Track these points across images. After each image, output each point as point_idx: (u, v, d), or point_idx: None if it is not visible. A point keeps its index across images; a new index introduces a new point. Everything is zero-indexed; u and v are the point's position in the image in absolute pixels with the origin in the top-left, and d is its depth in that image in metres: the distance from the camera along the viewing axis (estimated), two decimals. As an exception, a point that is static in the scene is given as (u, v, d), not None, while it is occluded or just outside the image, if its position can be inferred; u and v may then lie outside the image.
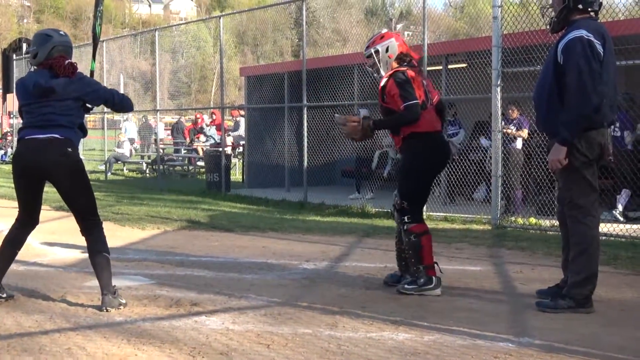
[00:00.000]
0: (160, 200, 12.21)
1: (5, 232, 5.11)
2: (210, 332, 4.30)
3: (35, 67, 5.00)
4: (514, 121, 9.97)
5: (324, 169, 13.51)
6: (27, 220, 5.06)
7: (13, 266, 5.21)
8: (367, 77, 5.82)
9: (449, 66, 11.08)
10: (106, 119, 18.72)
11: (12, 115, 23.57)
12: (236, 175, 17.61)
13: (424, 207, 9.51)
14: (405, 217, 5.35)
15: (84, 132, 5.05)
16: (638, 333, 4.30)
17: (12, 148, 22.92)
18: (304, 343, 4.07)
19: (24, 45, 21.66)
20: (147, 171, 19.63)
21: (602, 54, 4.60)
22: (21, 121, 5.10)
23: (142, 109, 22.30)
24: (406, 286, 5.28)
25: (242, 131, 16.79)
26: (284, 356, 3.84)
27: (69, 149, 4.83)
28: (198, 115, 21.20)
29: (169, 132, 24.68)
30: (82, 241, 5.08)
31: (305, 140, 12.10)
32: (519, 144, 9.95)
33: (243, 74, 16.80)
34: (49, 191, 5.44)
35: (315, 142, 12.62)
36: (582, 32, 4.59)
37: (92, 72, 5.44)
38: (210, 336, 4.22)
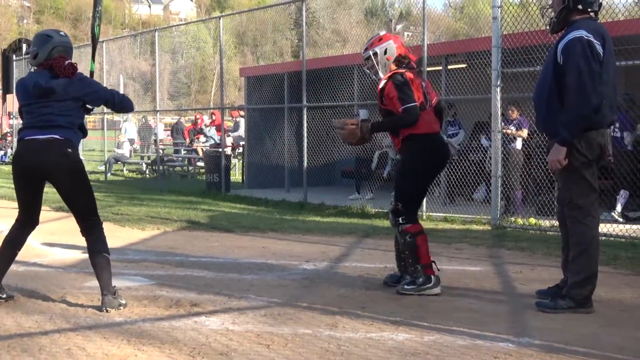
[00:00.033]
0: (160, 200, 12.21)
1: (5, 233, 5.11)
2: (210, 333, 4.30)
3: (35, 68, 5.00)
4: (514, 122, 9.98)
5: (323, 170, 13.51)
6: (27, 221, 5.06)
7: (13, 267, 5.21)
8: (367, 77, 5.82)
9: (449, 67, 11.08)
10: (106, 120, 18.72)
11: (12, 116, 23.58)
12: (236, 175, 17.62)
13: (424, 208, 9.66)
14: (400, 219, 5.35)
15: (84, 132, 5.06)
16: (638, 333, 4.30)
17: (11, 149, 22.93)
18: (304, 343, 4.07)
19: (24, 46, 21.65)
20: (147, 172, 19.63)
21: (601, 54, 4.60)
22: (21, 122, 5.10)
23: (142, 109, 22.32)
24: (405, 287, 5.29)
25: (241, 132, 16.79)
26: (284, 356, 3.85)
27: (69, 150, 4.83)
28: (198, 116, 21.22)
29: (168, 132, 24.69)
30: (82, 242, 5.08)
31: (305, 140, 12.10)
32: (518, 144, 9.95)
33: (243, 75, 16.81)
34: (49, 192, 5.44)
35: (315, 143, 12.62)
36: (582, 33, 4.59)
37: (91, 73, 5.44)
38: (210, 336, 4.22)
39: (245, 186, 14.97)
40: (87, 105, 5.01)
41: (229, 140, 17.02)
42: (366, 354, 3.88)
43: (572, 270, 4.74)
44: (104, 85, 5.63)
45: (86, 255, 5.11)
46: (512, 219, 8.99)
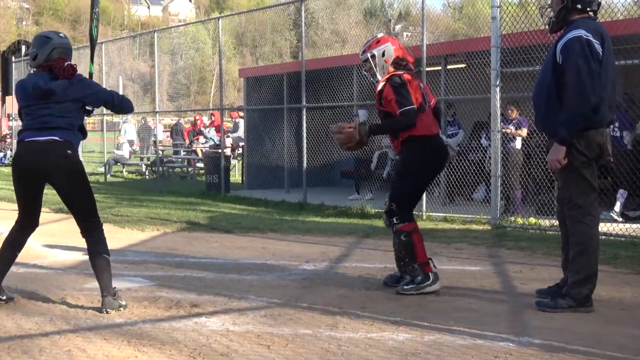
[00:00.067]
0: (159, 201, 12.20)
1: (5, 235, 5.12)
2: (211, 334, 4.30)
3: (34, 69, 5.00)
4: (513, 121, 9.98)
5: (323, 170, 13.51)
6: (27, 223, 5.06)
7: (13, 268, 5.21)
8: (366, 78, 5.81)
9: (448, 67, 11.08)
10: (105, 121, 18.74)
11: (11, 118, 23.57)
12: (235, 176, 17.62)
13: (424, 208, 9.66)
14: (394, 219, 5.36)
15: (83, 134, 5.06)
16: (638, 332, 4.30)
17: (11, 150, 22.93)
18: (304, 344, 4.07)
19: (23, 48, 21.68)
20: (147, 173, 19.64)
21: (601, 53, 4.60)
22: (20, 123, 5.10)
23: (141, 110, 22.31)
24: (405, 287, 5.30)
25: (241, 132, 16.80)
26: (284, 357, 3.85)
27: (69, 151, 4.83)
28: (197, 117, 21.22)
29: (168, 133, 24.70)
30: (81, 243, 5.09)
31: (305, 141, 12.10)
32: (518, 143, 9.96)
33: (242, 75, 16.81)
34: (49, 193, 5.44)
35: (315, 143, 12.62)
36: (581, 32, 4.59)
37: (90, 75, 5.43)
38: (210, 337, 4.22)
39: (244, 187, 14.97)
40: (87, 107, 5.01)
41: (228, 141, 17.02)
42: (366, 354, 3.88)
43: (572, 270, 4.75)
44: (104, 86, 5.62)
45: (86, 257, 5.11)
46: (512, 218, 8.99)
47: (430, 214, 9.75)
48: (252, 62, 46.06)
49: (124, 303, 4.90)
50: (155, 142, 18.34)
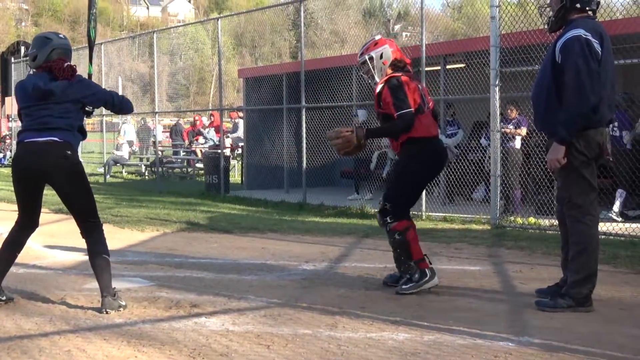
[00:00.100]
0: (159, 202, 12.21)
1: (5, 235, 5.12)
2: (210, 334, 4.30)
3: (34, 70, 5.00)
4: (513, 121, 9.99)
5: (322, 170, 13.51)
6: (26, 223, 5.06)
7: (13, 269, 5.22)
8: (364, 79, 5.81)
9: (447, 66, 11.08)
10: (105, 122, 18.73)
11: (10, 119, 23.56)
12: (235, 176, 17.62)
13: (423, 208, 9.67)
14: (388, 218, 5.37)
15: (83, 134, 5.06)
16: (637, 331, 4.30)
17: (11, 151, 22.93)
18: (304, 344, 4.07)
19: (22, 49, 21.66)
20: (146, 173, 19.64)
21: (600, 53, 4.60)
22: (20, 124, 5.10)
23: (141, 111, 22.29)
24: (403, 287, 5.30)
25: (240, 133, 16.80)
26: (284, 357, 3.85)
27: (68, 152, 4.83)
28: (196, 117, 21.22)
29: (167, 134, 24.69)
30: (81, 243, 5.09)
31: (304, 141, 12.10)
32: (517, 143, 9.96)
33: (241, 76, 16.81)
34: (49, 194, 5.43)
35: (314, 143, 12.61)
36: (580, 31, 4.59)
37: (89, 76, 5.43)
38: (210, 337, 4.22)
39: (244, 187, 14.98)
40: (87, 108, 5.01)
41: (227, 142, 17.02)
42: (366, 354, 3.88)
43: (571, 269, 4.75)
44: (103, 87, 5.62)
45: (86, 257, 5.11)
46: (512, 218, 8.99)
47: (430, 213, 9.75)
48: (252, 63, 46.03)
49: (123, 303, 4.91)
50: (154, 142, 18.34)
